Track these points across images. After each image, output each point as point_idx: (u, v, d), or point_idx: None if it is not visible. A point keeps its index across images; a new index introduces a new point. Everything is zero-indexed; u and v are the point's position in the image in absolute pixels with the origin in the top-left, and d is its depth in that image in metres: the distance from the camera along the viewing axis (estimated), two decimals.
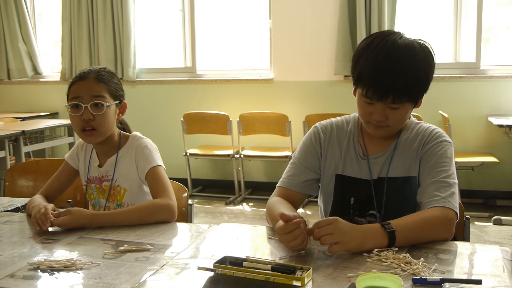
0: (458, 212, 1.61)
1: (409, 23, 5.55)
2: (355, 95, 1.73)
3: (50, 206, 1.80)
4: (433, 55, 1.69)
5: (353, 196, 1.78)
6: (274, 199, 1.79)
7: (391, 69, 1.59)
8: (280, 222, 1.48)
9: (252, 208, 5.26)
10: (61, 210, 1.79)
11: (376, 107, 1.64)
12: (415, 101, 1.67)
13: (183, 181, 2.40)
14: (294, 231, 1.45)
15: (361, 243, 1.46)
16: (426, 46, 1.67)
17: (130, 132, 2.16)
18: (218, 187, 5.87)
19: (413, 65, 1.61)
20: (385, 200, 1.73)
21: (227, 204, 5.36)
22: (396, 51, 1.60)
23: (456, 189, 1.65)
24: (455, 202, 1.62)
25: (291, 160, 1.88)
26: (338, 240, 1.42)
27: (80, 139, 2.13)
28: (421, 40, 1.68)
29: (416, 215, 1.59)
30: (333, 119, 1.88)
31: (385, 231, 1.48)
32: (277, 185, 1.86)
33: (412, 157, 1.73)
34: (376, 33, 1.70)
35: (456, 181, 1.67)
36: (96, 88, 1.96)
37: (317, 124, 1.88)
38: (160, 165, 2.00)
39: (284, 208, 1.69)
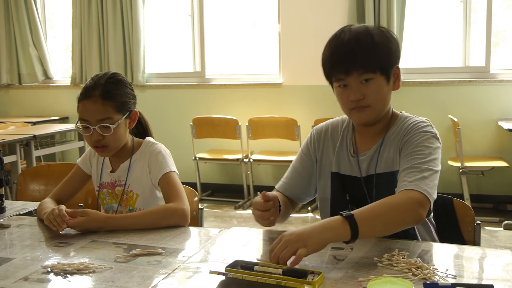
0: (428, 194, 1.54)
1: (418, 27, 5.55)
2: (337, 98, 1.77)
3: (63, 207, 1.81)
4: (391, 33, 1.74)
5: (348, 193, 1.81)
6: None
7: (346, 44, 1.66)
8: (258, 198, 1.64)
9: None
10: (76, 210, 1.80)
11: (350, 87, 1.68)
12: (384, 72, 1.68)
13: (193, 185, 2.42)
14: (268, 212, 1.63)
15: (320, 237, 1.41)
16: (381, 27, 1.74)
17: (151, 133, 2.17)
18: (227, 191, 5.88)
19: (368, 37, 1.67)
20: (377, 197, 1.71)
21: (236, 208, 5.37)
22: (348, 33, 1.68)
23: (430, 174, 1.58)
24: (424, 185, 1.55)
25: (291, 164, 1.96)
26: (296, 248, 1.38)
27: None
28: (376, 25, 1.76)
29: (378, 202, 1.54)
30: (331, 120, 1.93)
31: (344, 219, 1.44)
32: (275, 186, 1.95)
33: (394, 150, 1.74)
34: None
35: (434, 167, 1.61)
36: (101, 110, 1.91)
37: (314, 127, 1.95)
38: (174, 171, 2.01)
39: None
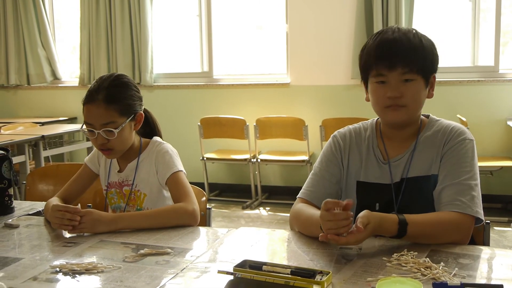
0: (480, 215, 1.61)
1: (426, 27, 5.52)
2: (368, 99, 1.75)
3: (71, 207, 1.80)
4: (434, 42, 1.74)
5: (377, 202, 1.75)
6: (301, 205, 1.77)
7: (394, 40, 1.65)
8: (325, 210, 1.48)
9: (269, 212, 5.25)
10: (79, 209, 1.78)
11: (389, 84, 1.66)
12: (425, 76, 1.67)
13: (200, 185, 2.43)
14: (343, 220, 1.45)
15: (376, 228, 1.49)
16: (424, 34, 1.74)
17: (159, 133, 2.17)
18: (235, 191, 5.88)
19: (416, 37, 1.67)
20: (405, 201, 1.71)
21: (244, 208, 5.37)
22: (397, 31, 1.67)
23: (477, 191, 1.64)
24: (475, 206, 1.60)
25: (312, 171, 1.86)
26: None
27: None
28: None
29: (434, 214, 1.60)
30: (350, 126, 1.87)
31: (398, 221, 1.51)
32: (298, 196, 1.83)
33: (432, 154, 1.71)
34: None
35: (478, 181, 1.66)
36: (105, 114, 1.91)
37: (335, 132, 1.88)
38: (181, 170, 2.01)
39: (315, 211, 1.67)
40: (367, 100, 1.75)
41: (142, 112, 2.03)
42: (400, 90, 1.65)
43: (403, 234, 1.52)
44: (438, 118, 1.80)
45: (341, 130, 1.87)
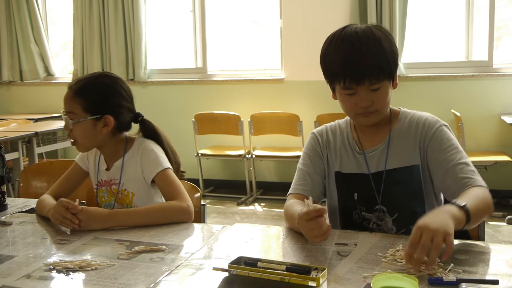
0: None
1: (420, 22, 5.53)
2: (335, 98, 1.76)
3: (69, 201, 1.80)
4: (389, 32, 1.73)
5: (356, 192, 1.79)
6: (291, 201, 1.78)
7: (358, 53, 1.63)
8: (303, 209, 1.47)
9: (264, 208, 5.26)
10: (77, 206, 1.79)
11: (359, 95, 1.67)
12: (391, 77, 1.69)
13: (195, 181, 2.42)
14: (317, 219, 1.43)
15: (447, 224, 1.37)
16: (381, 27, 1.73)
17: (156, 135, 2.12)
18: (230, 187, 5.88)
19: (377, 43, 1.65)
20: (388, 193, 1.75)
21: (238, 204, 5.36)
22: (357, 37, 1.65)
23: (473, 166, 1.68)
24: (480, 177, 1.66)
25: (297, 169, 1.88)
26: (443, 236, 1.32)
27: None
28: (375, 24, 1.75)
29: (477, 195, 1.56)
30: (327, 124, 1.93)
31: (463, 212, 1.44)
32: (289, 193, 1.85)
33: (410, 146, 1.75)
34: (333, 32, 1.74)
35: (468, 158, 1.71)
36: (69, 103, 1.97)
37: (313, 131, 1.93)
38: (169, 168, 2.00)
39: (299, 207, 1.68)
40: (335, 98, 1.77)
41: (111, 117, 1.98)
42: (370, 98, 1.67)
43: (468, 221, 1.46)
44: (410, 111, 1.83)
45: (318, 128, 1.94)
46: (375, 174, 1.77)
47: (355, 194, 1.79)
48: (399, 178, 1.74)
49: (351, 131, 1.85)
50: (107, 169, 2.08)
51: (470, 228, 1.52)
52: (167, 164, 2.01)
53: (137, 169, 2.03)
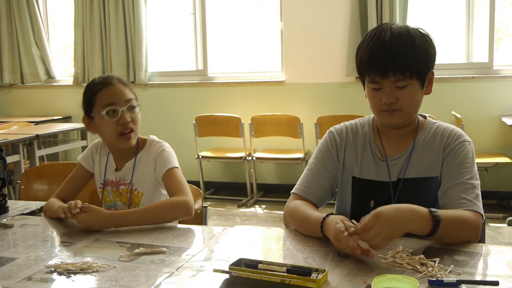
0: (483, 215, 1.62)
1: (420, 24, 5.52)
2: (366, 96, 1.74)
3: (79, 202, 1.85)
4: (430, 36, 1.70)
5: (372, 199, 1.75)
6: (296, 202, 1.76)
7: (387, 47, 1.63)
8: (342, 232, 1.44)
9: (265, 210, 5.25)
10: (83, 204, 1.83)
11: (384, 90, 1.65)
12: (420, 78, 1.66)
13: (196, 183, 2.42)
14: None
15: (408, 225, 1.44)
16: (421, 29, 1.71)
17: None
18: (231, 189, 5.88)
19: (408, 39, 1.64)
20: (403, 202, 1.69)
21: (239, 206, 5.36)
22: (389, 33, 1.64)
23: (479, 190, 1.65)
24: (480, 204, 1.62)
25: (307, 167, 1.85)
26: (388, 236, 1.41)
27: (95, 142, 2.15)
28: (416, 27, 1.72)
29: (456, 212, 1.57)
30: (347, 123, 1.87)
31: (432, 219, 1.47)
32: (292, 191, 1.82)
33: (432, 157, 1.72)
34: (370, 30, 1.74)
35: (479, 181, 1.67)
36: (125, 91, 2.00)
37: (331, 128, 1.87)
38: (177, 167, 2.03)
39: (311, 210, 1.69)
40: (367, 97, 1.75)
41: None
42: (395, 95, 1.65)
43: (434, 232, 1.48)
44: (435, 121, 1.80)
45: (337, 126, 1.87)
46: (395, 182, 1.73)
47: (372, 202, 1.74)
48: (416, 188, 1.71)
49: (374, 136, 1.81)
50: (117, 169, 2.09)
51: (441, 240, 1.53)
52: (176, 163, 2.04)
53: (149, 169, 2.05)
